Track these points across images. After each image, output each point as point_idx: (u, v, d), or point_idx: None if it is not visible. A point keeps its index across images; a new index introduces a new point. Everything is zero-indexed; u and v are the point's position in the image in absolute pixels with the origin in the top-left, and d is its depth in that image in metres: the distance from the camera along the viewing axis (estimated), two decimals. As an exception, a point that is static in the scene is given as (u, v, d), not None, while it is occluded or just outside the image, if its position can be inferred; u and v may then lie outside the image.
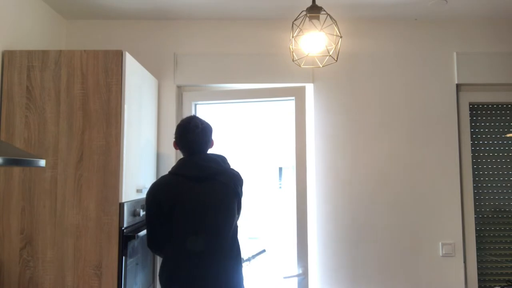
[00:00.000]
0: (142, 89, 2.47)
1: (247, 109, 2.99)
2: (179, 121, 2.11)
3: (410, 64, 2.87)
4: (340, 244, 2.77)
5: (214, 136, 2.13)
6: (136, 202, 2.31)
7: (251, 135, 2.98)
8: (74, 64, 2.15)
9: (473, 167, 2.87)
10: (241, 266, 2.00)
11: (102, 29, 2.89)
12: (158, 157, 2.82)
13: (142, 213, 2.35)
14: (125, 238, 2.10)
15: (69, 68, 2.15)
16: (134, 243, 2.24)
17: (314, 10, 2.05)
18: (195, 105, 2.94)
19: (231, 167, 2.10)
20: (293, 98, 2.77)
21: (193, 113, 2.90)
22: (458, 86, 2.89)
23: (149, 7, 2.70)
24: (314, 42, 2.09)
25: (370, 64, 2.87)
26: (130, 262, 2.17)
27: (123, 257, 2.09)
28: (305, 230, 2.67)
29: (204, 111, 2.96)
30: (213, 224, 1.93)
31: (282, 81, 2.85)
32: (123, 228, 2.10)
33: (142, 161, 2.45)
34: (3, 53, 2.16)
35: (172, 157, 2.83)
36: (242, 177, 2.10)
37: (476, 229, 2.84)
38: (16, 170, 2.11)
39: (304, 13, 2.70)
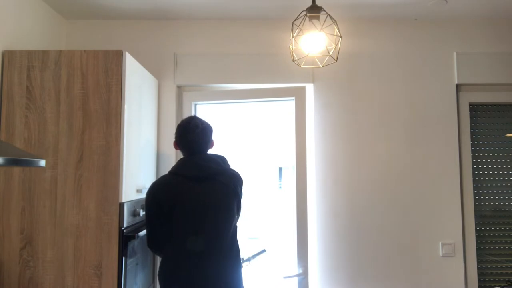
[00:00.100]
0: (142, 89, 2.47)
1: (247, 109, 2.99)
2: (179, 121, 2.11)
3: (410, 64, 2.87)
4: (340, 244, 2.77)
5: (214, 136, 2.13)
6: (136, 202, 2.31)
7: (251, 135, 2.98)
8: (74, 64, 2.15)
9: (473, 167, 2.87)
10: (240, 266, 2.01)
11: (102, 29, 2.89)
12: (158, 157, 2.82)
13: (142, 213, 2.35)
14: (125, 238, 2.10)
15: (69, 68, 2.15)
16: (134, 243, 2.24)
17: (314, 10, 2.05)
18: (195, 105, 2.94)
19: (231, 167, 2.10)
20: (293, 98, 2.77)
21: (193, 113, 2.91)
22: (458, 86, 2.89)
23: (149, 7, 2.70)
24: (314, 42, 2.09)
25: (370, 64, 2.87)
26: (130, 262, 2.17)
27: (123, 257, 2.09)
28: (305, 229, 2.67)
29: (204, 111, 2.96)
30: (213, 224, 1.93)
31: (282, 81, 2.85)
32: (123, 228, 2.10)
33: (142, 161, 2.45)
34: (3, 53, 2.16)
35: (172, 157, 2.83)
36: (242, 178, 2.10)
37: (476, 229, 2.83)
38: (16, 170, 2.11)
39: (304, 13, 2.70)
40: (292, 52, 2.15)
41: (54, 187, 2.10)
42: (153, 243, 2.01)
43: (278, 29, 2.89)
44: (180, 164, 2.01)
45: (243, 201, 2.37)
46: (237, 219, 2.10)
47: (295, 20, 2.14)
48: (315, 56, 2.42)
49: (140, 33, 2.89)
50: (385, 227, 2.78)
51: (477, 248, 2.82)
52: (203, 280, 1.88)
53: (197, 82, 2.87)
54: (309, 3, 2.61)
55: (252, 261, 2.42)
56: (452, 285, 2.74)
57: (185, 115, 2.87)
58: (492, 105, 2.91)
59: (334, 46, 2.17)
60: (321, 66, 2.23)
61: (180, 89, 2.93)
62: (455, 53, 2.86)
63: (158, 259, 2.70)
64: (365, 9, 2.73)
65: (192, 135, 2.02)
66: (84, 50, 2.16)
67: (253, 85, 2.90)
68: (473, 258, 2.79)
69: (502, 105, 2.91)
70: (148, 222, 1.99)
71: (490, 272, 2.82)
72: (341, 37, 2.06)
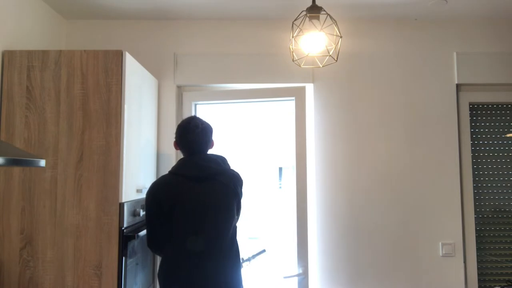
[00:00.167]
0: (142, 89, 2.46)
1: (247, 109, 2.99)
2: (179, 121, 2.11)
3: (410, 64, 2.87)
4: (340, 244, 2.77)
5: (214, 136, 2.13)
6: (136, 202, 2.31)
7: (251, 135, 2.98)
8: (74, 64, 2.15)
9: (473, 167, 2.87)
10: (240, 267, 2.01)
11: (102, 29, 2.89)
12: (158, 157, 2.82)
13: (142, 213, 2.35)
14: (125, 238, 2.10)
15: (69, 68, 2.15)
16: (134, 243, 2.24)
17: (314, 10, 2.05)
18: (195, 105, 2.94)
19: (231, 167, 2.10)
20: (293, 98, 2.77)
21: (193, 113, 2.91)
22: (458, 86, 2.89)
23: (149, 7, 2.70)
24: (314, 42, 2.09)
25: (370, 64, 2.87)
26: (130, 262, 2.17)
27: (123, 257, 2.09)
28: (305, 229, 2.67)
29: (204, 111, 2.96)
30: (212, 224, 1.93)
31: (282, 81, 2.85)
32: (123, 228, 2.10)
33: (142, 161, 2.45)
34: (3, 53, 2.16)
35: (172, 157, 2.83)
36: (242, 178, 2.10)
37: (476, 229, 2.83)
38: (16, 170, 2.11)
39: (304, 13, 2.70)
40: (292, 52, 2.15)
41: (54, 187, 2.10)
42: (153, 243, 2.01)
43: (278, 29, 2.89)
44: (180, 164, 2.01)
45: (243, 201, 2.37)
46: (237, 220, 2.10)
47: (295, 20, 2.14)
48: (315, 56, 2.42)
49: (140, 33, 2.89)
50: (385, 227, 2.78)
51: (477, 248, 2.82)
52: (203, 280, 1.88)
53: (197, 82, 2.87)
54: (309, 3, 2.61)
55: (252, 261, 2.42)
56: (452, 285, 2.74)
57: (185, 115, 2.87)
58: (492, 105, 2.91)
59: (334, 46, 2.17)
60: (321, 66, 2.23)
61: (180, 89, 2.93)
62: (455, 53, 2.86)
63: (158, 259, 2.70)
64: (365, 9, 2.73)
65: (192, 135, 2.02)
66: (84, 50, 2.16)
67: (253, 85, 2.90)
68: (473, 258, 2.79)
69: (502, 105, 2.91)
70: (148, 222, 1.99)
71: (490, 272, 2.82)
72: (341, 37, 2.06)
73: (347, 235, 2.77)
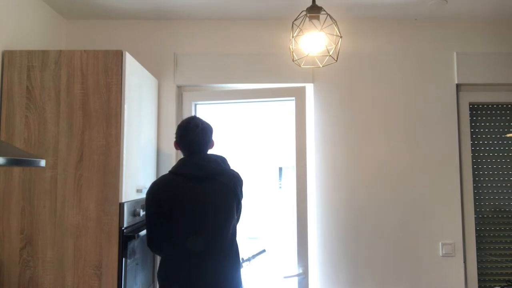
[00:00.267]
0: (142, 89, 2.46)
1: (247, 109, 2.99)
2: (179, 121, 2.11)
3: (410, 64, 2.87)
4: (340, 244, 2.77)
5: (214, 136, 2.13)
6: (136, 202, 2.31)
7: (251, 135, 2.98)
8: (74, 64, 2.15)
9: (473, 167, 2.87)
10: (240, 267, 2.01)
11: (102, 29, 2.89)
12: (158, 157, 2.82)
13: (142, 213, 2.35)
14: (125, 238, 2.10)
15: (69, 68, 2.15)
16: (134, 243, 2.24)
17: (314, 10, 2.04)
18: (195, 105, 2.94)
19: (231, 168, 2.10)
20: (293, 98, 2.77)
21: (193, 113, 2.90)
22: (458, 86, 2.89)
23: (149, 7, 2.70)
24: (314, 42, 2.09)
25: (370, 64, 2.87)
26: (130, 262, 2.17)
27: (123, 257, 2.09)
28: (305, 229, 2.67)
29: (204, 111, 2.96)
30: (212, 224, 1.93)
31: (282, 81, 2.85)
32: (123, 228, 2.10)
33: (142, 161, 2.45)
34: (3, 53, 2.16)
35: (172, 157, 2.82)
36: (242, 178, 2.10)
37: (476, 229, 2.83)
38: (16, 170, 2.11)
39: (304, 13, 2.69)
40: (292, 52, 2.15)
41: (54, 187, 2.10)
42: (153, 242, 2.01)
43: (278, 29, 2.89)
44: (180, 164, 2.01)
45: (244, 202, 2.37)
46: (237, 221, 2.10)
47: (295, 20, 2.13)
48: (315, 56, 2.42)
49: (140, 33, 2.89)
50: (385, 227, 2.78)
51: (477, 248, 2.82)
52: (203, 280, 1.88)
53: (197, 82, 2.87)
54: (309, 3, 2.61)
55: (252, 261, 2.42)
56: (452, 285, 2.74)
57: (185, 115, 2.87)
58: (492, 105, 2.91)
59: (334, 46, 2.17)
60: (321, 66, 2.23)
61: (180, 89, 2.93)
62: (455, 53, 2.86)
63: (158, 259, 2.70)
64: (365, 9, 2.72)
65: (192, 134, 2.02)
66: (84, 50, 2.16)
67: (253, 85, 2.90)
68: (473, 258, 2.78)
69: (502, 105, 2.91)
70: (148, 222, 1.99)
71: (490, 272, 2.82)
72: (341, 37, 2.06)
73: (347, 235, 2.77)
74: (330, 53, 2.67)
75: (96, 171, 2.10)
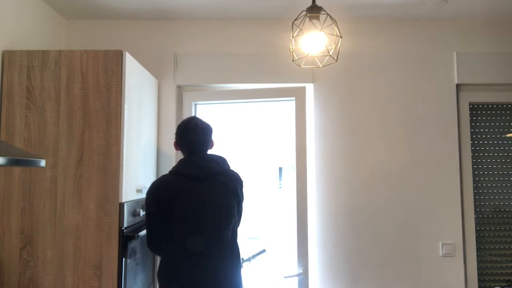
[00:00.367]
0: (142, 89, 2.46)
1: (247, 109, 2.99)
2: (179, 121, 2.11)
3: (410, 64, 2.87)
4: (340, 244, 2.77)
5: (214, 136, 2.13)
6: (136, 202, 2.31)
7: (251, 135, 2.98)
8: (74, 64, 2.15)
9: (473, 167, 2.87)
10: (240, 267, 2.01)
11: (102, 29, 2.89)
12: (158, 157, 2.82)
13: (142, 213, 2.35)
14: (125, 238, 2.10)
15: (69, 68, 2.15)
16: (134, 243, 2.24)
17: (314, 10, 2.04)
18: (195, 105, 2.94)
19: (231, 168, 2.10)
20: (293, 98, 2.77)
21: (193, 113, 2.91)
22: (458, 86, 2.89)
23: (149, 7, 2.70)
24: (314, 42, 2.09)
25: (370, 64, 2.87)
26: (130, 262, 2.17)
27: (123, 257, 2.09)
28: (305, 229, 2.67)
29: (204, 111, 2.96)
30: (212, 224, 1.93)
31: (282, 81, 2.85)
32: (123, 228, 2.10)
33: (142, 161, 2.45)
34: (3, 53, 2.16)
35: (172, 157, 2.82)
36: (242, 179, 2.10)
37: (476, 229, 2.83)
38: (16, 170, 2.11)
39: (304, 13, 2.69)
40: (292, 52, 2.15)
41: (54, 187, 2.10)
42: (153, 242, 2.01)
43: (278, 29, 2.89)
44: (180, 164, 2.01)
45: (244, 203, 2.37)
46: (238, 223, 2.09)
47: (295, 20, 2.14)
48: (315, 56, 2.42)
49: (140, 33, 2.89)
50: (385, 227, 2.78)
51: (477, 248, 2.82)
52: (203, 280, 1.88)
53: (197, 82, 2.87)
54: (309, 3, 2.61)
55: (252, 261, 2.42)
56: (452, 285, 2.74)
57: (185, 115, 2.87)
58: (492, 105, 2.91)
59: (334, 46, 2.17)
60: (321, 66, 2.23)
61: (180, 89, 2.93)
62: (455, 53, 2.86)
63: (158, 259, 2.70)
64: (365, 9, 2.73)
65: (192, 134, 2.02)
66: (84, 50, 2.16)
67: (253, 85, 2.90)
68: (473, 258, 2.78)
69: (502, 105, 2.91)
70: (148, 222, 1.99)
71: (490, 272, 2.82)
72: (341, 37, 2.06)
73: (347, 235, 2.77)
74: (330, 53, 2.67)
75: (96, 171, 2.10)
